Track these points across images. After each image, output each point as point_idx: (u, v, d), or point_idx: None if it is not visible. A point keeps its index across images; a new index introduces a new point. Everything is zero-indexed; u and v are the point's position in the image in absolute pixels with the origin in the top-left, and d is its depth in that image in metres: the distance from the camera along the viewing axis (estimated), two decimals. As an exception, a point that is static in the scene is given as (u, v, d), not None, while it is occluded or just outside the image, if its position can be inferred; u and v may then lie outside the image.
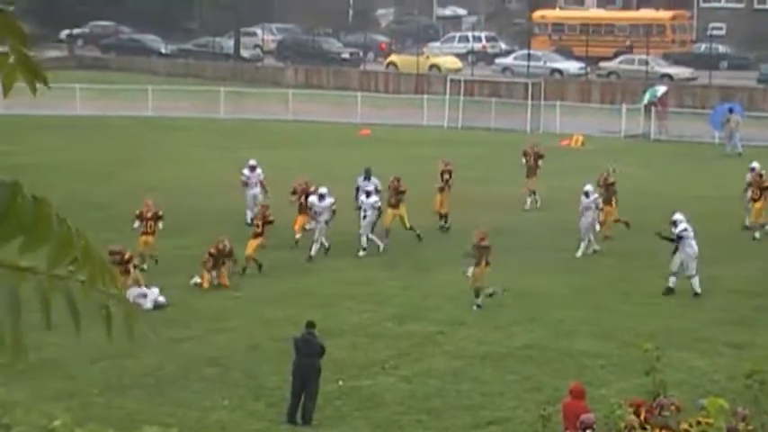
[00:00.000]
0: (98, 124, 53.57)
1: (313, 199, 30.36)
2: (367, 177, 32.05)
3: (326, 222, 30.07)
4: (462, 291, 27.00)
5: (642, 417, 14.47)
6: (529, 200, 36.09)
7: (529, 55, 65.96)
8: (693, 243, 27.08)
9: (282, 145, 48.26)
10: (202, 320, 24.86)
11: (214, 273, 27.32)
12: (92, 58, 77.86)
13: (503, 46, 75.50)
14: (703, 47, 68.47)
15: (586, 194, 30.98)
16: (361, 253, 30.33)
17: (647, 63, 62.84)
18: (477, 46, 73.29)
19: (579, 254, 30.25)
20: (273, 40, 77.67)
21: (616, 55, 66.73)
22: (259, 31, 78.48)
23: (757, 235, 32.23)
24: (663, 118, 53.54)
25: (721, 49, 68.97)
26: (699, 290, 26.71)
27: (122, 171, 42.04)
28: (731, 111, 49.28)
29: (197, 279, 27.23)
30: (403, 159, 43.81)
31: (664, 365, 14.88)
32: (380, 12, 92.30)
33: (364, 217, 30.64)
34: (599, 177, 33.03)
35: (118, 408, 19.42)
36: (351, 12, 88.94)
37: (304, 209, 31.04)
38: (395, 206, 31.44)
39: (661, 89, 54.80)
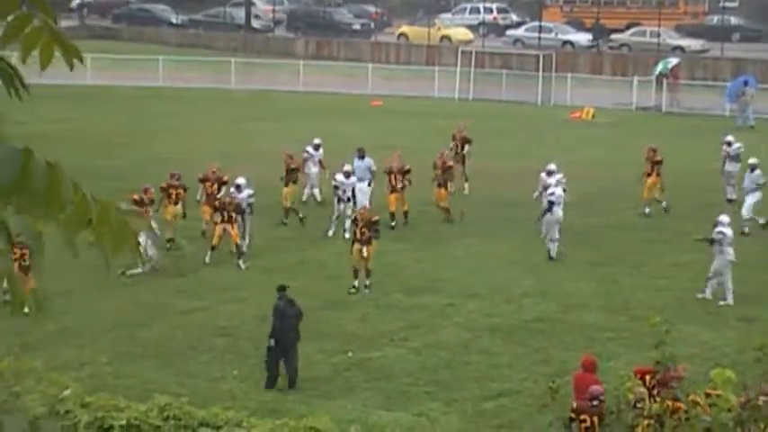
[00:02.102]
0: (108, 94, 53.54)
1: (232, 191, 28.26)
2: (361, 157, 31.57)
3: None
4: (474, 264, 27.02)
5: (649, 384, 14.48)
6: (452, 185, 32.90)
7: (540, 27, 65.64)
8: (559, 209, 27.32)
9: (293, 116, 48.19)
10: (212, 291, 24.91)
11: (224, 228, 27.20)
12: (102, 27, 77.73)
13: (514, 17, 75.19)
14: (716, 19, 68.11)
15: (549, 173, 29.38)
16: (348, 234, 28.35)
17: (658, 35, 62.53)
18: (489, 17, 72.97)
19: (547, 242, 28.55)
20: (281, 10, 77.31)
21: (629, 27, 66.37)
22: (258, 2, 78.11)
23: (647, 210, 31.53)
24: (674, 90, 53.33)
25: (733, 20, 68.60)
26: (554, 255, 27.28)
27: (132, 141, 42.06)
28: (746, 83, 49.07)
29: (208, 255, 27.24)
30: (414, 131, 43.74)
31: (673, 339, 14.85)
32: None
33: (339, 200, 29.18)
34: (436, 158, 31.01)
35: (128, 377, 19.48)
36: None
37: (212, 198, 28.83)
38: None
39: (673, 61, 54.57)
